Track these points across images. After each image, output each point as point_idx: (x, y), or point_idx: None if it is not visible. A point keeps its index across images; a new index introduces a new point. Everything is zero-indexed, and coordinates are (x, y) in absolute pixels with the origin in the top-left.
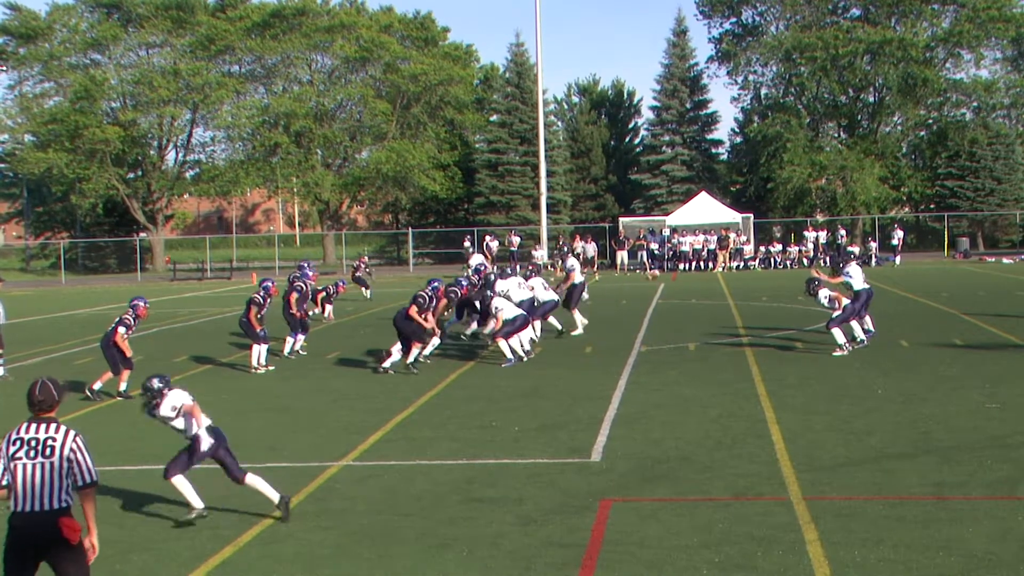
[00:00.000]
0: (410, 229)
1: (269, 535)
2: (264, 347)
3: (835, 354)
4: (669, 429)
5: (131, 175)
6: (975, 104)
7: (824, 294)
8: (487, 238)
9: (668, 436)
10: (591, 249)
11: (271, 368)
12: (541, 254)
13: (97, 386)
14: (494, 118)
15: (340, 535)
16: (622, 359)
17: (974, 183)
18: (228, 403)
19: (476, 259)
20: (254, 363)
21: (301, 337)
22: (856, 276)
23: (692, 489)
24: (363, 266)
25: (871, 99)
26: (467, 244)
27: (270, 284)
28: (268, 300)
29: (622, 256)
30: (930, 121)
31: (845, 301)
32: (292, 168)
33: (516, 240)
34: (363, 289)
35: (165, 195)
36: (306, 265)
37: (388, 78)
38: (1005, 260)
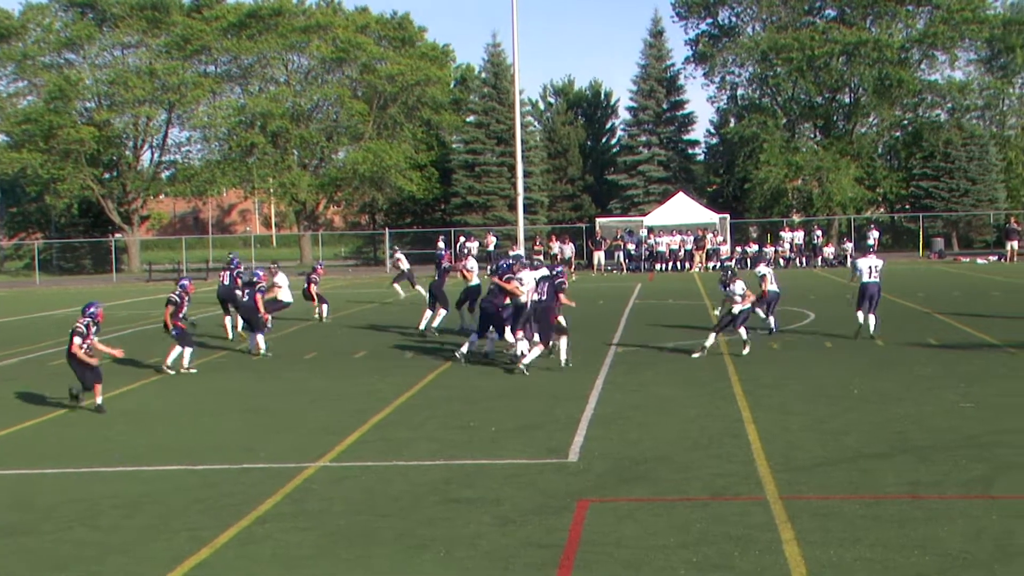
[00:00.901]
0: (387, 230)
1: (246, 536)
2: (188, 350)
3: (744, 351)
4: (646, 429)
5: (106, 175)
6: (949, 105)
7: (740, 287)
8: (462, 239)
9: (645, 436)
10: (568, 250)
11: (193, 371)
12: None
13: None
14: (471, 118)
15: (318, 536)
16: (599, 359)
17: (949, 184)
18: (205, 404)
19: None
20: (169, 362)
21: (260, 337)
22: (768, 276)
23: (669, 489)
24: (317, 279)
25: (847, 100)
26: (440, 244)
27: (187, 283)
28: (186, 299)
29: (599, 256)
30: (905, 122)
31: (748, 302)
32: (268, 168)
33: (493, 240)
34: (317, 305)
35: (140, 195)
36: (235, 258)
37: (365, 78)
38: (979, 260)
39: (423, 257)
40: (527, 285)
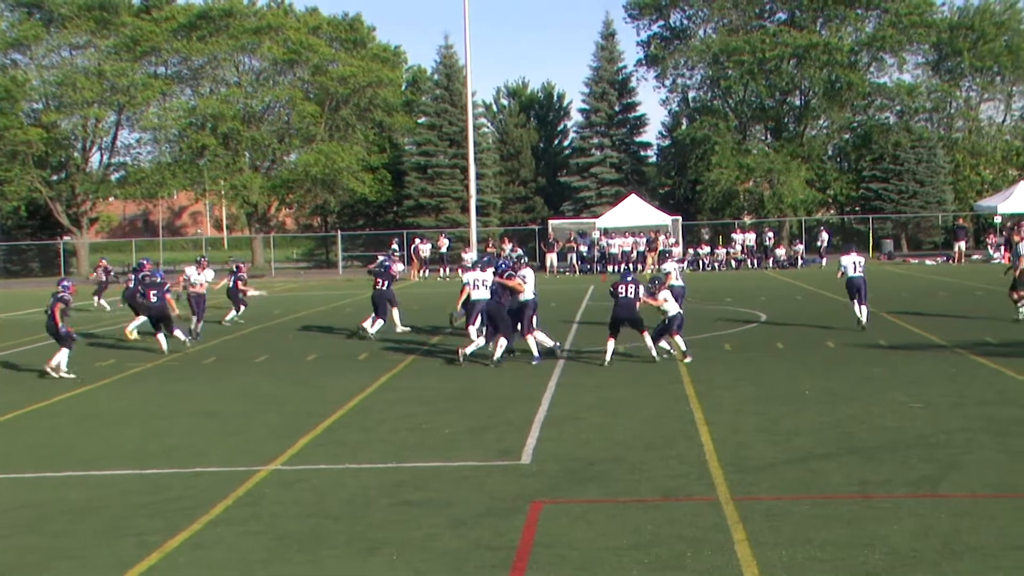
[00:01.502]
0: (339, 232)
1: (197, 541)
2: (67, 352)
3: (686, 360)
4: (599, 431)
5: (54, 177)
6: (898, 108)
7: (664, 295)
8: (416, 240)
9: (598, 438)
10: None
11: (71, 376)
12: (470, 256)
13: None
14: (423, 120)
15: (269, 540)
16: (552, 361)
17: (898, 186)
18: (155, 407)
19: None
20: (53, 364)
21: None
22: (673, 272)
23: (622, 490)
24: (240, 282)
25: (797, 102)
26: (394, 246)
27: (69, 284)
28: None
29: (551, 258)
30: (855, 124)
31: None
32: (220, 170)
33: (445, 243)
34: (235, 308)
35: (90, 198)
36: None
37: (316, 80)
38: (928, 262)
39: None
40: (529, 282)
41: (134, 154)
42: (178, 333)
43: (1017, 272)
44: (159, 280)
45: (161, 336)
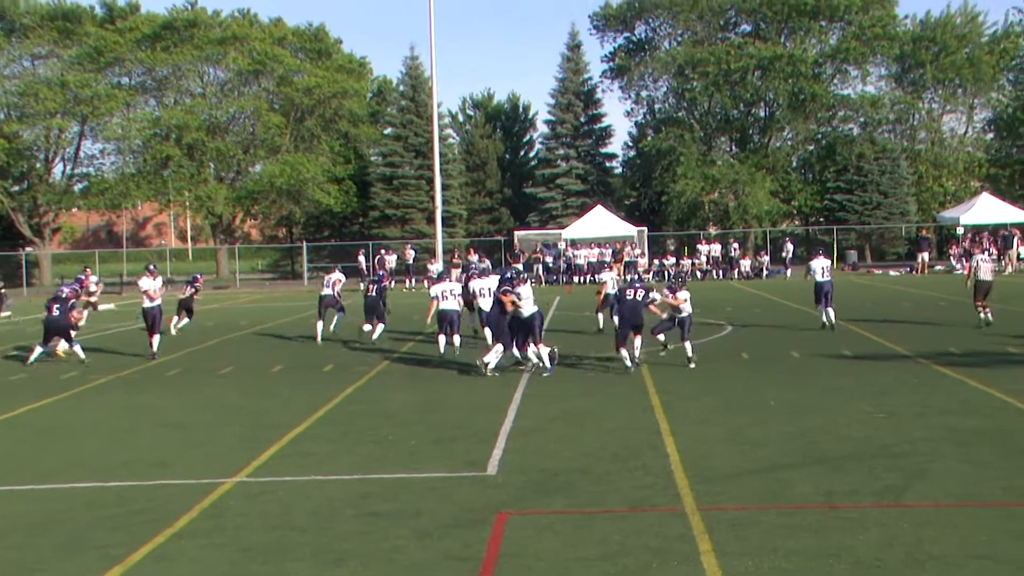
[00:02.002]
0: (304, 243)
1: (160, 553)
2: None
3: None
4: (565, 442)
5: (16, 188)
6: (862, 119)
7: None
8: (382, 251)
9: (564, 449)
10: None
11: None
12: (436, 267)
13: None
14: (389, 131)
15: (234, 552)
16: (518, 372)
17: (862, 197)
18: (118, 419)
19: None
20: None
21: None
22: (609, 282)
23: (588, 501)
24: (199, 287)
25: (762, 114)
26: (360, 258)
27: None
28: None
29: (517, 269)
30: (819, 136)
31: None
32: (184, 181)
33: (411, 254)
34: (180, 316)
35: (52, 208)
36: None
37: (282, 91)
38: (892, 272)
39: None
40: (526, 299)
41: (97, 164)
42: (77, 348)
43: (971, 282)
44: (63, 295)
45: (77, 348)
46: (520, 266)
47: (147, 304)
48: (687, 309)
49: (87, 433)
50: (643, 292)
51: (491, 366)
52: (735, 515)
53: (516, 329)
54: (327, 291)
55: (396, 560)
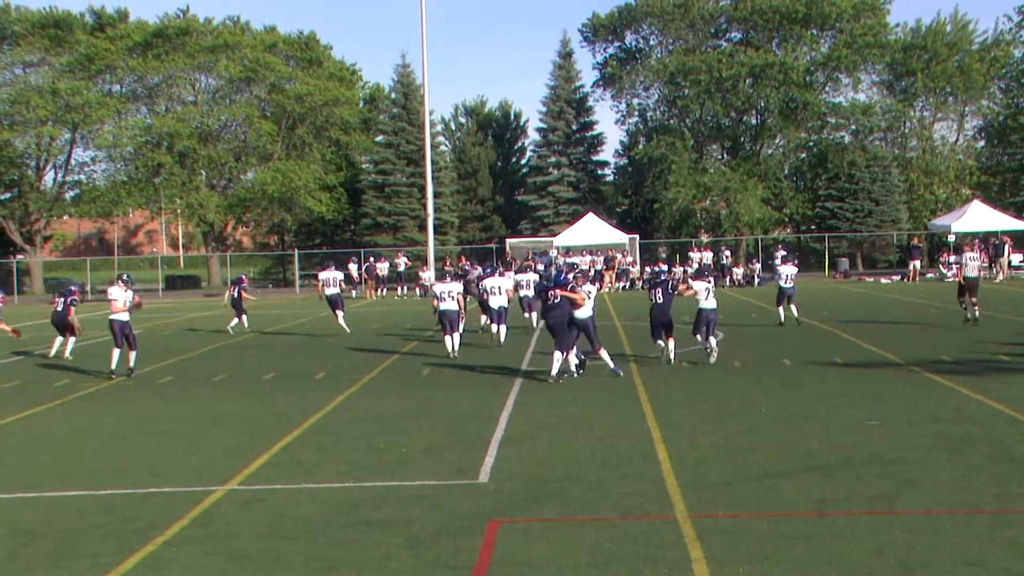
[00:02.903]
0: (296, 250)
1: (151, 562)
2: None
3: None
4: (556, 449)
5: (7, 196)
6: (853, 127)
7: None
8: (371, 259)
9: (555, 456)
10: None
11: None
12: (428, 275)
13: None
14: (380, 139)
15: (225, 560)
16: (509, 380)
17: (853, 204)
18: (109, 427)
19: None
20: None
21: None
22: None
23: (580, 509)
24: (238, 292)
25: (754, 121)
26: (351, 266)
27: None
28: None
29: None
30: (810, 143)
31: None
32: (176, 189)
33: (403, 262)
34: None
35: (43, 216)
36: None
37: (273, 98)
38: (883, 280)
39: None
40: (592, 296)
41: (89, 172)
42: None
43: (961, 279)
44: (68, 293)
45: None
46: (479, 269)
47: (114, 316)
48: (709, 303)
49: (78, 441)
50: (667, 293)
51: (553, 372)
52: (726, 523)
53: (554, 330)
54: (333, 290)
55: (388, 568)
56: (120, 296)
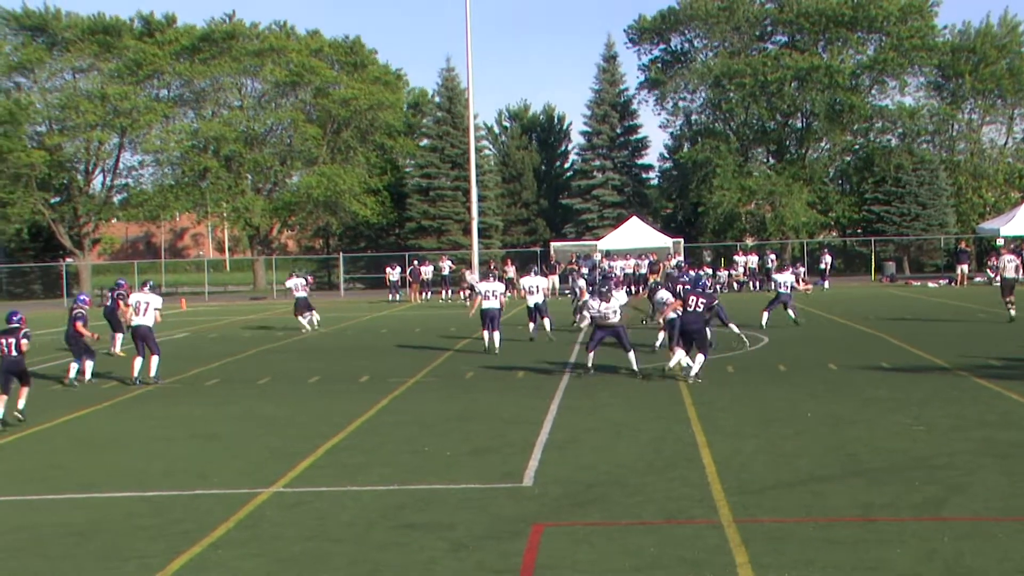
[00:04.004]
0: (341, 254)
1: (198, 563)
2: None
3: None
4: (601, 453)
5: (57, 199)
6: (900, 130)
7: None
8: (415, 263)
9: (600, 460)
10: (511, 272)
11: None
12: (473, 278)
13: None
14: (425, 143)
15: (270, 562)
16: (554, 383)
17: (900, 208)
18: (156, 429)
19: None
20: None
21: (90, 363)
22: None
23: (624, 513)
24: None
25: (799, 125)
26: (394, 270)
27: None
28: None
29: (553, 280)
30: (856, 147)
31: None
32: (222, 193)
33: (447, 265)
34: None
35: (92, 220)
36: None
37: (318, 102)
38: (930, 284)
39: (380, 281)
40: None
41: (136, 176)
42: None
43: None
44: (78, 305)
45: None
46: (476, 274)
47: (136, 321)
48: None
49: (125, 443)
50: (705, 300)
51: (695, 372)
52: (771, 527)
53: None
54: (301, 294)
55: (432, 571)
56: (142, 301)
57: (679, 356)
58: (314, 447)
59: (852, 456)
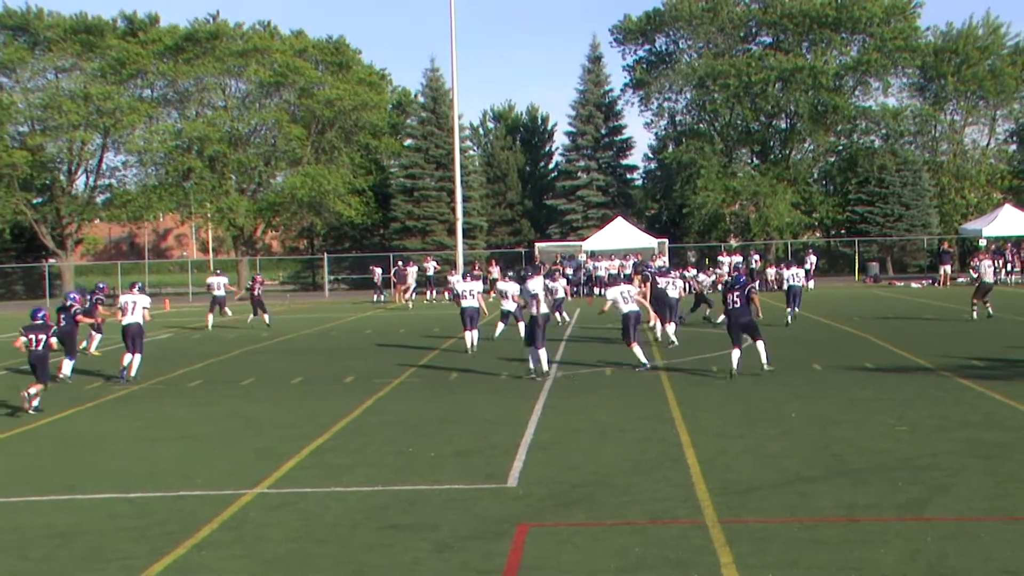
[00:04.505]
0: (325, 254)
1: (181, 565)
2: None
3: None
4: (585, 454)
5: (39, 200)
6: (883, 131)
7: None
8: (400, 263)
9: (585, 461)
10: (495, 272)
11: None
12: (457, 279)
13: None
14: (409, 143)
15: (254, 563)
16: (538, 384)
17: (883, 209)
18: (140, 430)
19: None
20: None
21: (70, 363)
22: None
23: (609, 513)
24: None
25: (783, 125)
26: (377, 270)
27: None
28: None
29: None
30: (840, 147)
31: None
32: (206, 193)
33: (432, 266)
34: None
35: (75, 220)
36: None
37: (302, 103)
38: (913, 284)
39: (364, 281)
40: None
41: (120, 176)
42: (69, 364)
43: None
44: (69, 304)
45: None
46: (460, 275)
47: (127, 320)
48: (630, 307)
49: (109, 444)
50: (744, 297)
51: (765, 360)
52: (756, 528)
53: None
54: (219, 292)
55: (416, 572)
56: (130, 301)
57: (736, 355)
58: (298, 448)
59: (837, 456)
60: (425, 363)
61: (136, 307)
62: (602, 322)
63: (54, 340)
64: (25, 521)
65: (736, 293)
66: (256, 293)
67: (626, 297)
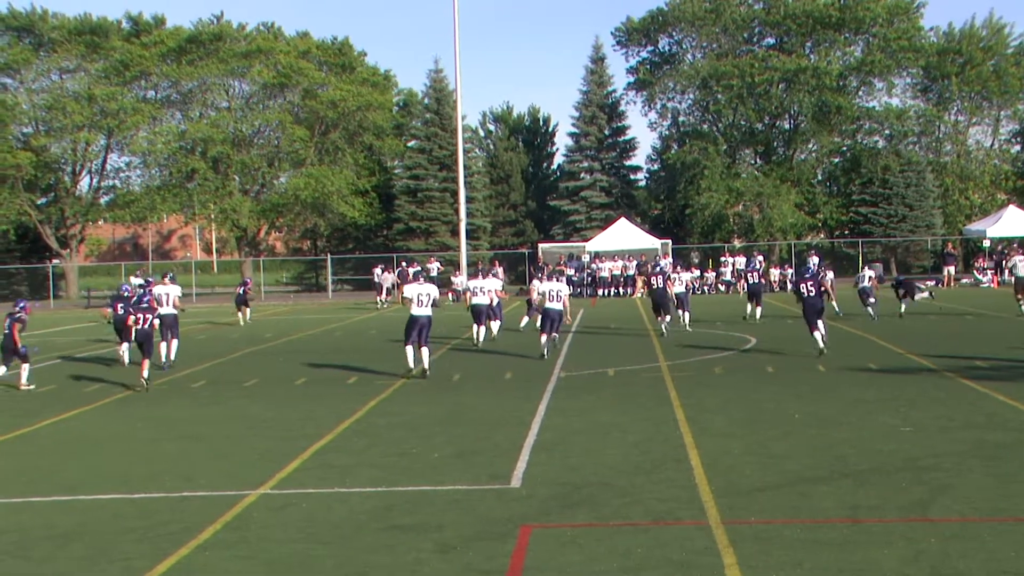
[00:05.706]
0: (328, 255)
1: (184, 566)
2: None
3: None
4: (589, 455)
5: (43, 200)
6: (887, 132)
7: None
8: (403, 264)
9: (588, 462)
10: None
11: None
12: (461, 280)
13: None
14: (413, 144)
15: (257, 564)
16: (541, 385)
17: (887, 209)
18: (142, 431)
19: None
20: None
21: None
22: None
23: (612, 514)
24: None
25: (787, 126)
26: (377, 270)
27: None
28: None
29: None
30: (844, 148)
31: None
32: (209, 194)
33: (436, 266)
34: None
35: (79, 221)
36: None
37: (306, 104)
38: (919, 286)
39: (368, 283)
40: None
41: (123, 178)
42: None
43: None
44: (17, 310)
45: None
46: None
47: (162, 311)
48: (555, 305)
49: (111, 445)
50: (816, 284)
51: (822, 344)
52: (759, 529)
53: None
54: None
55: (420, 573)
56: (165, 291)
57: (818, 336)
58: (302, 449)
59: (840, 457)
60: (428, 364)
61: (169, 298)
62: (603, 322)
63: (156, 321)
64: (27, 522)
65: (811, 283)
66: (241, 292)
67: (553, 296)
